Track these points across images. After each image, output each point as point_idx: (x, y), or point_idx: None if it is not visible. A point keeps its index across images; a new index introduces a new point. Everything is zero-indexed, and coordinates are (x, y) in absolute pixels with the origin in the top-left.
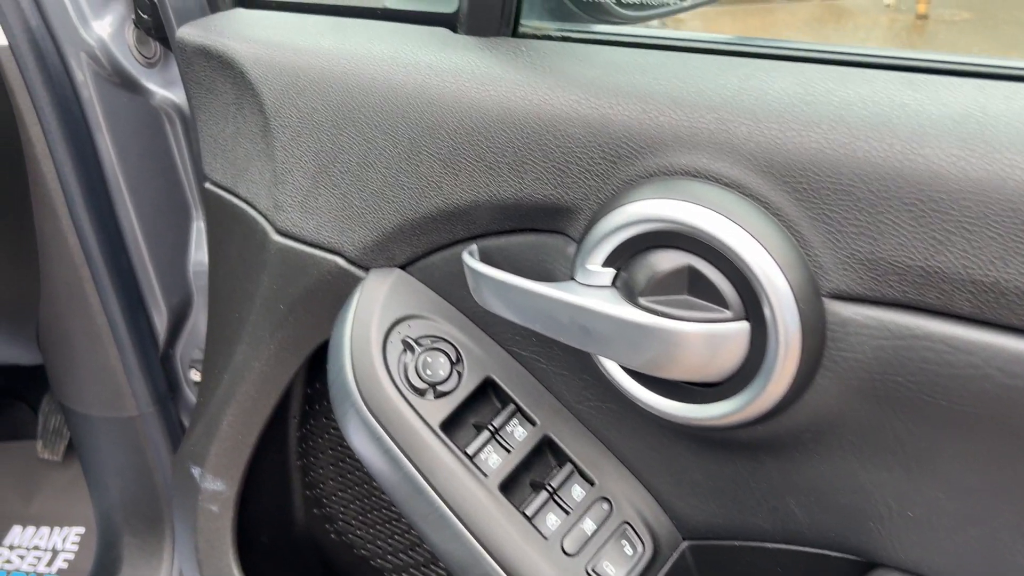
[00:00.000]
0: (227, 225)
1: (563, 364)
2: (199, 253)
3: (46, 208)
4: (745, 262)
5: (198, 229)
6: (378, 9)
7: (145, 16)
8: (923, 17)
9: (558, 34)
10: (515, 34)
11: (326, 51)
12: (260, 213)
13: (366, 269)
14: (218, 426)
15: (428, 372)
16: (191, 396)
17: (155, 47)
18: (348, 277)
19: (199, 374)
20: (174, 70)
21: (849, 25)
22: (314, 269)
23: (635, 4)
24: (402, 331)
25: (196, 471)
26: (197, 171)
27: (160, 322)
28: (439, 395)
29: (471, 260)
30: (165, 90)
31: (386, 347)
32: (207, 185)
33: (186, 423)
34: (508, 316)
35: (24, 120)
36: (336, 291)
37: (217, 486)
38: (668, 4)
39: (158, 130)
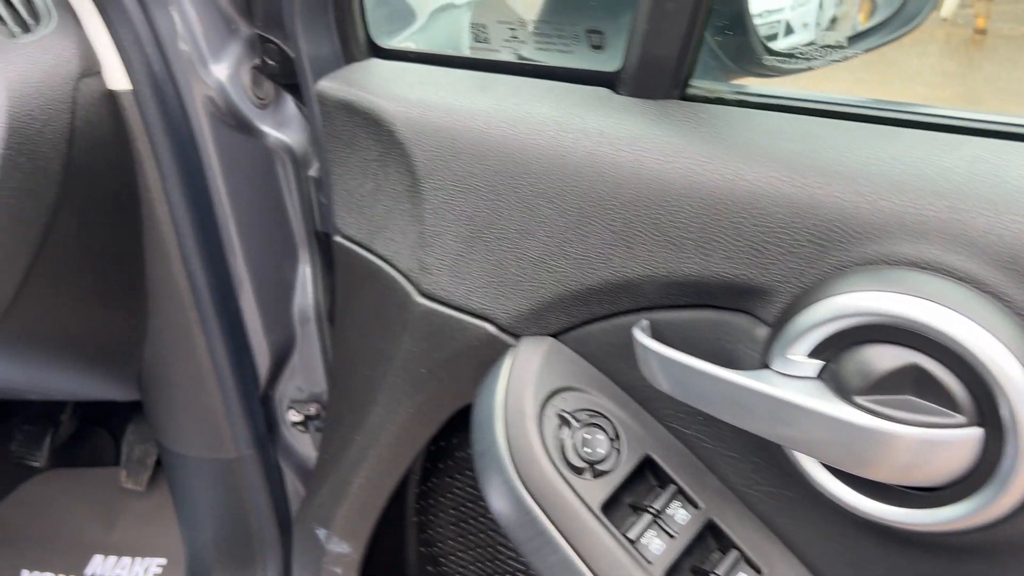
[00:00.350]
0: (359, 281)
1: (732, 446)
2: (304, 296)
3: (159, 251)
4: (984, 364)
5: (303, 271)
6: (527, 64)
7: (272, 63)
8: (982, 32)
9: (732, 97)
10: (684, 96)
11: (483, 113)
12: (401, 273)
13: (516, 336)
14: (347, 488)
15: (587, 449)
16: (288, 438)
17: (268, 89)
18: (497, 344)
19: (298, 415)
20: (285, 111)
21: (904, 40)
22: (461, 334)
23: (785, 56)
24: (557, 404)
25: (321, 533)
26: (305, 213)
27: (262, 364)
28: (597, 474)
29: (644, 338)
30: (277, 132)
31: (542, 420)
32: (338, 239)
33: (283, 465)
34: (687, 400)
35: (142, 164)
36: (482, 357)
37: (343, 549)
38: (815, 56)
39: (269, 172)
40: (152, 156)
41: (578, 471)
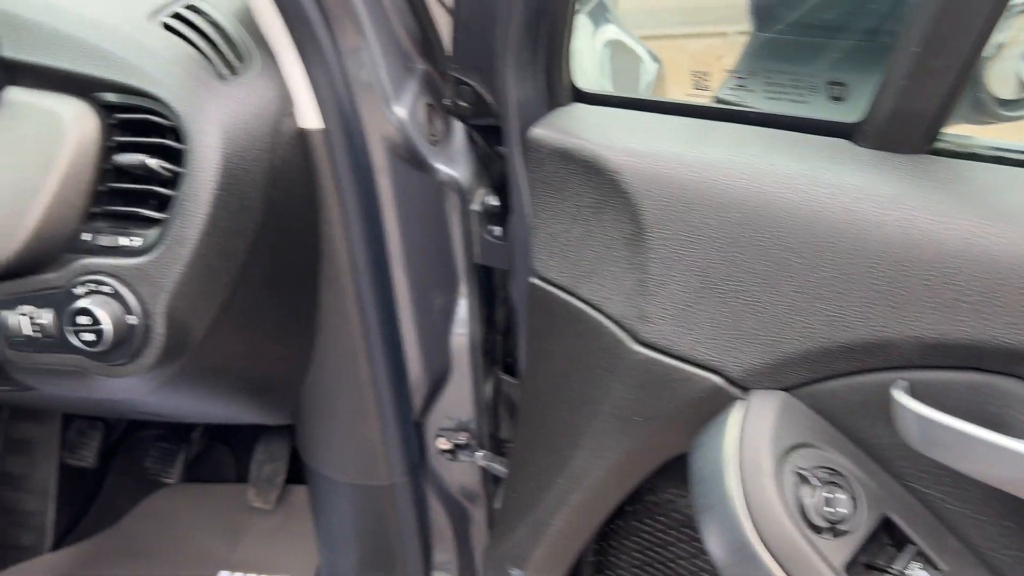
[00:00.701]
0: (558, 323)
1: (981, 508)
2: (460, 326)
3: (334, 283)
4: None
5: (461, 303)
6: (751, 113)
7: (465, 104)
8: None
9: (987, 152)
10: (933, 151)
11: (717, 164)
12: (611, 319)
13: (745, 389)
14: (546, 530)
15: (828, 509)
16: (435, 465)
17: (439, 125)
18: (722, 396)
19: (447, 443)
20: (453, 147)
21: None
22: (683, 385)
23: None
24: (794, 460)
25: (516, 573)
26: (467, 246)
27: (418, 392)
28: (838, 534)
29: (907, 400)
30: (448, 167)
31: (780, 477)
32: (534, 280)
33: (428, 493)
34: (954, 465)
35: (326, 200)
36: (704, 409)
37: None
38: None
39: (436, 206)
40: (336, 192)
41: (818, 530)
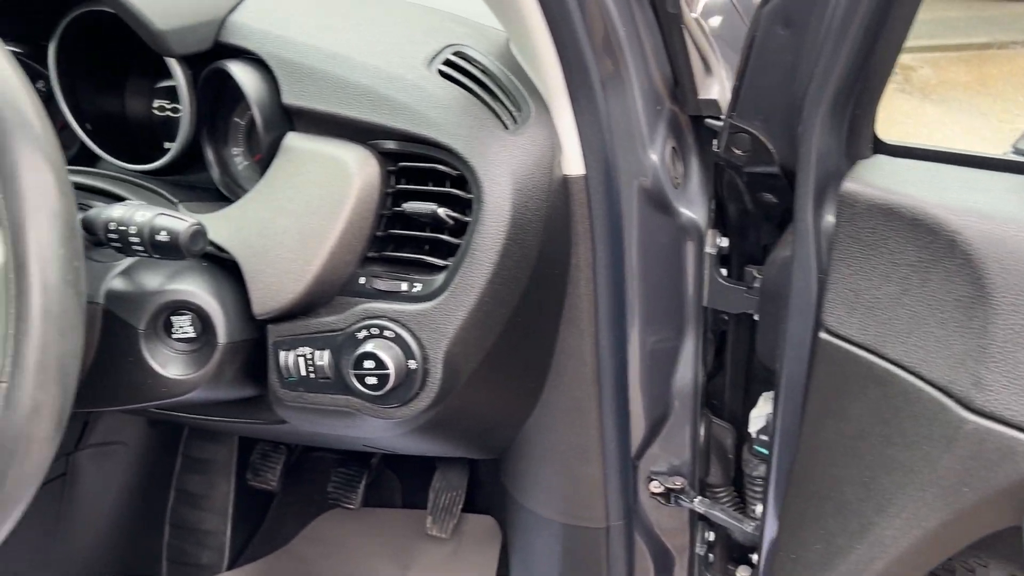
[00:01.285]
0: (852, 382)
1: None
2: (685, 369)
3: (574, 326)
4: None
5: (687, 346)
6: None
7: (740, 151)
8: None
9: None
10: None
11: None
12: (931, 384)
13: None
14: None
15: None
16: (645, 509)
17: (680, 168)
18: None
19: (659, 486)
20: (691, 189)
21: None
22: None
23: None
24: None
25: None
26: (697, 289)
27: (637, 435)
28: None
29: None
30: (687, 210)
31: None
32: (825, 336)
33: (638, 538)
34: None
35: (578, 245)
36: None
37: None
38: None
39: (675, 249)
40: (588, 237)
41: None
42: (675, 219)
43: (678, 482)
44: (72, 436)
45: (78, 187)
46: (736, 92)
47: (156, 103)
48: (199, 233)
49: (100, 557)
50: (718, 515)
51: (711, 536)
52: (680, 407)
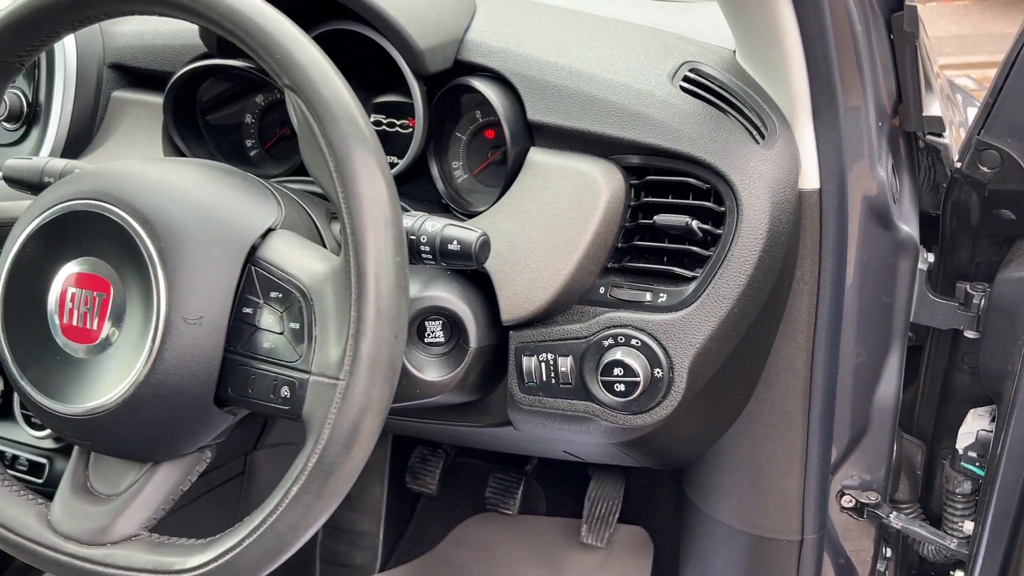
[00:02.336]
0: None
1: None
2: (887, 385)
3: (790, 340)
4: None
5: (891, 361)
6: None
7: (987, 169)
8: None
9: None
10: None
11: None
12: None
13: None
14: None
15: None
16: (834, 523)
17: (896, 183)
18: None
19: (851, 501)
20: (905, 205)
21: None
22: None
23: None
24: None
25: None
26: (907, 304)
27: (837, 449)
28: None
29: None
30: (904, 225)
31: None
32: None
33: (824, 552)
34: None
35: (804, 258)
36: None
37: None
38: None
39: (891, 265)
40: (816, 251)
41: None
42: (894, 234)
43: (872, 497)
44: (252, 436)
45: (323, 197)
46: (988, 109)
47: (373, 118)
48: (487, 243)
49: None
50: (917, 531)
51: (888, 552)
52: (879, 421)
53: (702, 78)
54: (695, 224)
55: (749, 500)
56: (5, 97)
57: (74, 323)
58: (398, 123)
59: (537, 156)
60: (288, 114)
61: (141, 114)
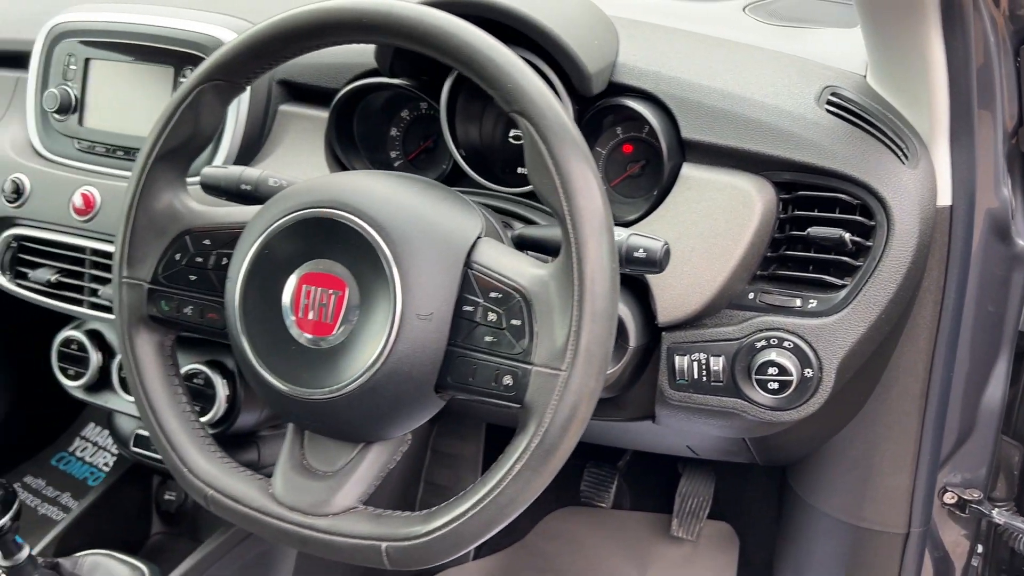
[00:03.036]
0: None
1: None
2: (995, 388)
3: (912, 344)
4: None
5: (999, 366)
6: None
7: None
8: None
9: None
10: None
11: None
12: None
13: None
14: None
15: None
16: (935, 520)
17: (1013, 200)
18: None
19: (952, 497)
20: (1019, 220)
21: None
22: None
23: None
24: None
25: None
26: (1017, 313)
27: (946, 448)
28: None
29: None
30: (1021, 239)
31: None
32: None
33: (924, 548)
34: None
35: (931, 270)
36: None
37: None
38: None
39: (1006, 276)
40: (943, 263)
41: None
42: (1011, 248)
43: (975, 494)
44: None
45: (496, 210)
46: None
47: (513, 132)
48: (669, 251)
49: None
50: (1020, 526)
51: (980, 548)
52: (985, 423)
53: (844, 101)
54: (847, 236)
55: (858, 494)
56: None
57: (310, 317)
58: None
59: (691, 171)
60: (428, 127)
61: (305, 127)
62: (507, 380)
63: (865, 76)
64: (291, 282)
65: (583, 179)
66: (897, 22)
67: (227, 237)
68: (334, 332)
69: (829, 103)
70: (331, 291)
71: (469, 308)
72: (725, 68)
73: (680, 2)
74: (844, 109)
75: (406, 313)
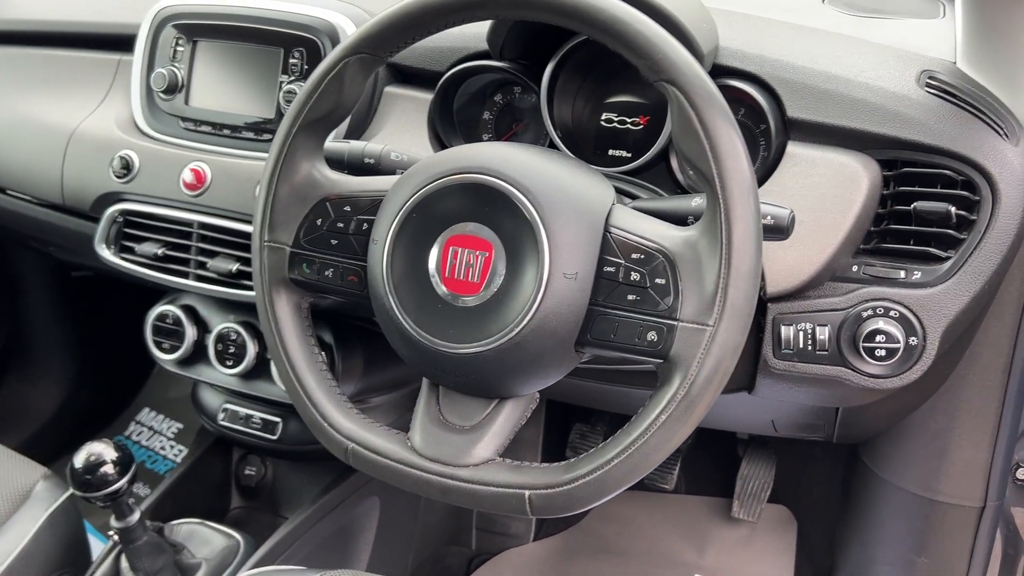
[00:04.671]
0: None
1: None
2: None
3: (999, 319)
4: None
5: None
6: None
7: None
8: None
9: None
10: None
11: None
12: None
13: None
14: None
15: None
16: (1009, 492)
17: None
18: None
19: None
20: None
21: None
22: None
23: None
24: None
25: None
26: None
27: None
28: None
29: None
30: None
31: None
32: None
33: (998, 521)
34: None
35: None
36: None
37: None
38: None
39: None
40: None
41: None
42: None
43: None
44: None
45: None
46: None
47: (604, 116)
48: (794, 218)
49: (430, 529)
50: None
51: None
52: None
53: (942, 83)
54: (953, 210)
55: (935, 467)
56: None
57: (457, 276)
58: (628, 120)
59: (796, 149)
60: (518, 111)
61: (408, 107)
62: (651, 336)
63: (955, 62)
64: (438, 244)
65: (731, 144)
66: (1003, 5)
67: (368, 203)
68: (480, 291)
69: (928, 85)
70: (478, 252)
71: (610, 268)
72: (824, 53)
73: None
74: (943, 91)
75: (553, 272)
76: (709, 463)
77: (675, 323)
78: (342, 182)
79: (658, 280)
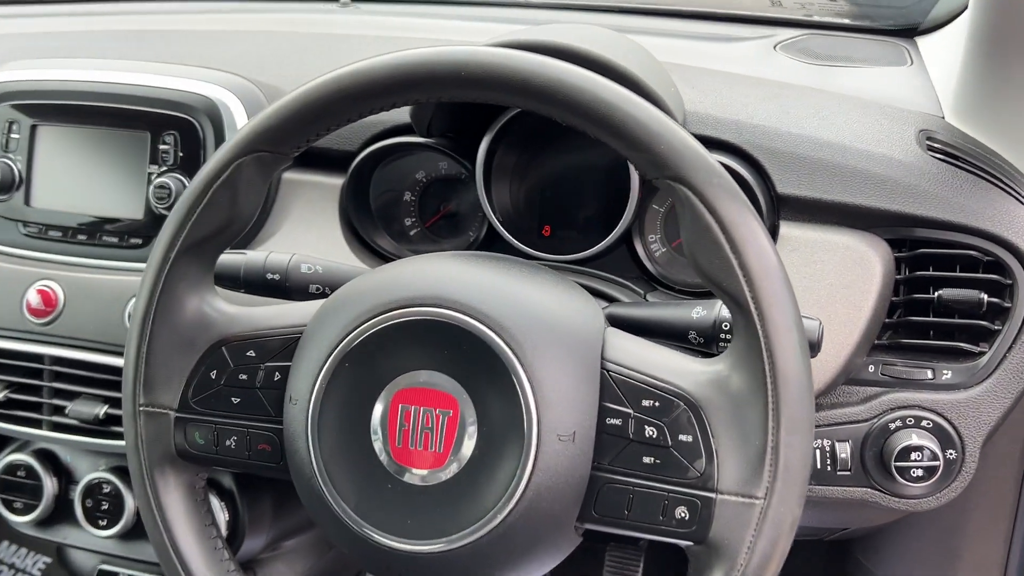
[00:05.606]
0: None
1: None
2: None
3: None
4: None
5: None
6: None
7: None
8: None
9: None
10: None
11: None
12: None
13: None
14: None
15: None
16: None
17: None
18: None
19: None
20: None
21: None
22: None
23: None
24: None
25: None
26: None
27: None
28: None
29: None
30: None
31: None
32: None
33: None
34: None
35: None
36: None
37: None
38: None
39: None
40: None
41: None
42: None
43: None
44: None
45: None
46: None
47: (548, 192)
48: (823, 328)
49: None
50: None
51: None
52: None
53: (943, 144)
54: (985, 298)
55: (943, 566)
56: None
57: (411, 446)
58: (579, 196)
59: (791, 231)
60: (446, 190)
61: (314, 196)
62: (681, 512)
63: (943, 117)
64: (382, 402)
65: (766, 260)
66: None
67: (278, 345)
68: (445, 464)
69: (931, 148)
70: (438, 411)
71: (615, 421)
72: (805, 114)
73: (706, 44)
74: (947, 153)
75: (543, 434)
76: (679, 555)
77: (712, 495)
78: (242, 317)
79: (683, 437)
